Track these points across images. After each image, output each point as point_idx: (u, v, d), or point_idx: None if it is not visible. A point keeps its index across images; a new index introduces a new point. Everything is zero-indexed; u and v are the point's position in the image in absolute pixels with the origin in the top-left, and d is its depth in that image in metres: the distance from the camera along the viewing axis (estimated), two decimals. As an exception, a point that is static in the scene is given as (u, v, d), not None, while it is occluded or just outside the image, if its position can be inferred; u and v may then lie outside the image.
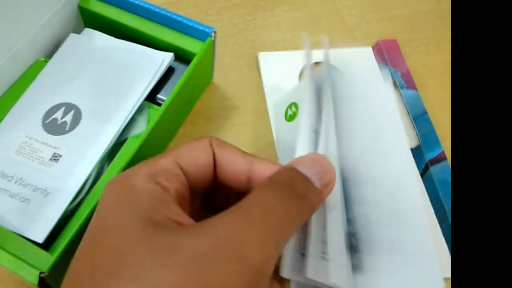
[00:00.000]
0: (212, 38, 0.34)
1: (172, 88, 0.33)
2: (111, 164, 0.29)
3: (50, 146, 0.30)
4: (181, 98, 0.33)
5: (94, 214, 0.20)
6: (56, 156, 0.29)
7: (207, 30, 0.34)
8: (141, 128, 0.31)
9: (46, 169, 0.29)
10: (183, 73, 0.33)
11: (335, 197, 0.25)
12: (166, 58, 0.34)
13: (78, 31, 0.36)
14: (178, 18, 0.35)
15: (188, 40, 0.35)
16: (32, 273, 0.24)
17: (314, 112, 0.29)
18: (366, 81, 0.36)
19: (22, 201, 0.27)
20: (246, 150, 0.36)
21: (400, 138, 0.33)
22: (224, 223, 0.18)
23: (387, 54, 0.41)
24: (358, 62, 0.42)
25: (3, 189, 0.28)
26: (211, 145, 0.23)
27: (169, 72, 0.35)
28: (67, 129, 0.30)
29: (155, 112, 0.31)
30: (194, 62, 0.33)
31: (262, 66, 0.41)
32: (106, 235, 0.18)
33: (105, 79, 0.33)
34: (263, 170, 0.22)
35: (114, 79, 0.33)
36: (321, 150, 0.26)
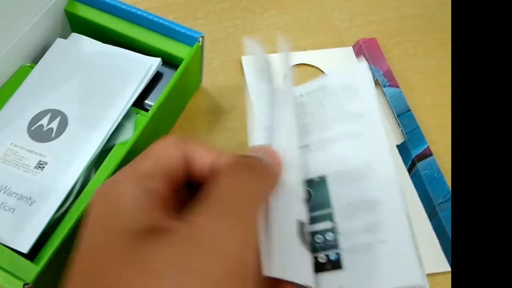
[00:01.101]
0: (200, 43, 0.34)
1: (160, 94, 0.32)
2: (98, 171, 0.29)
3: (36, 153, 0.29)
4: (169, 103, 0.33)
5: (83, 222, 0.19)
6: (41, 164, 0.29)
7: (194, 35, 0.34)
8: (128, 134, 0.31)
9: (32, 177, 0.28)
10: (171, 78, 0.33)
11: (292, 191, 0.25)
12: (154, 63, 0.34)
13: (64, 36, 0.36)
14: (166, 23, 0.35)
15: (176, 45, 0.35)
16: (16, 284, 0.24)
17: (266, 111, 0.30)
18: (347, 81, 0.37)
19: (6, 210, 0.27)
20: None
21: (380, 135, 0.34)
22: (196, 224, 0.18)
23: (368, 52, 0.41)
24: (339, 61, 0.42)
25: None
26: (178, 142, 0.23)
27: (156, 77, 0.35)
28: (53, 136, 0.30)
29: (142, 118, 0.31)
30: (182, 67, 0.33)
31: (245, 69, 0.40)
32: (92, 249, 0.18)
33: (91, 84, 0.32)
34: (226, 161, 0.22)
35: (101, 85, 0.32)
36: (276, 145, 0.26)
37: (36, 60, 0.34)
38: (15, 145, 0.30)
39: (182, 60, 0.34)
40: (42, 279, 0.24)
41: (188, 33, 0.34)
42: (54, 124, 0.30)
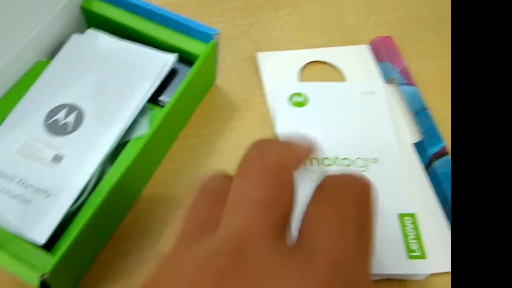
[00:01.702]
0: (216, 40, 0.34)
1: (175, 90, 0.32)
2: (113, 166, 0.29)
3: (52, 147, 0.29)
4: (184, 100, 0.33)
5: None
6: (57, 158, 0.29)
7: (210, 32, 0.34)
8: (143, 130, 0.31)
9: (48, 170, 0.28)
10: (185, 75, 0.33)
11: None
12: (169, 59, 0.34)
13: (80, 31, 0.36)
14: (181, 20, 0.35)
15: (191, 41, 0.35)
16: (33, 275, 0.24)
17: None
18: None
19: (23, 202, 0.27)
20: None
21: (391, 138, 0.36)
22: None
23: (384, 51, 0.41)
24: (355, 59, 0.42)
25: (4, 189, 0.27)
26: None
27: (171, 73, 0.35)
28: (69, 130, 0.30)
29: (158, 114, 0.31)
30: (197, 64, 0.33)
31: (261, 66, 0.40)
32: None
33: (107, 80, 0.32)
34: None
35: (117, 80, 0.32)
36: None
37: (52, 55, 0.35)
38: (31, 139, 0.30)
39: (196, 57, 0.34)
40: (58, 271, 0.24)
41: (203, 30, 0.34)
42: (70, 119, 0.31)
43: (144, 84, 0.32)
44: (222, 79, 0.40)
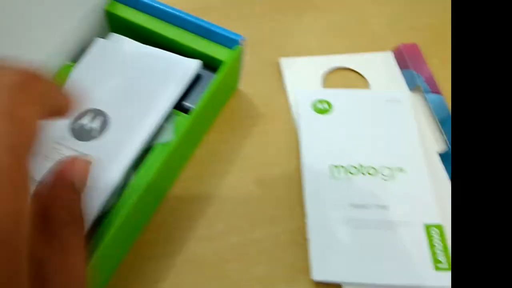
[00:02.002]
0: (241, 46, 0.34)
1: (199, 95, 0.32)
2: (140, 172, 0.29)
3: (78, 152, 0.29)
4: (209, 106, 0.33)
5: None
6: None
7: (236, 37, 0.34)
8: (169, 136, 0.31)
9: None
10: (209, 80, 0.33)
11: None
12: (194, 65, 0.33)
13: (103, 35, 0.36)
14: (206, 25, 0.34)
15: (215, 47, 0.35)
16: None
17: None
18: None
19: None
20: (272, 158, 0.36)
21: (417, 148, 0.36)
22: None
23: (409, 58, 0.40)
24: (379, 66, 0.41)
25: None
26: None
27: (194, 78, 0.34)
28: (94, 135, 0.30)
29: (183, 120, 0.31)
30: (223, 70, 0.33)
31: (284, 71, 0.40)
32: None
33: (132, 85, 0.32)
34: None
35: (142, 86, 0.32)
36: None
37: (75, 59, 0.35)
38: (58, 144, 0.30)
39: (221, 62, 0.34)
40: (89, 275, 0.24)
41: (229, 35, 0.34)
42: (96, 124, 0.30)
43: (169, 89, 0.32)
44: (245, 84, 0.39)
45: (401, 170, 0.35)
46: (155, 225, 0.32)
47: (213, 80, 0.32)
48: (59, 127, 0.30)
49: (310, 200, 0.33)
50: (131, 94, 0.32)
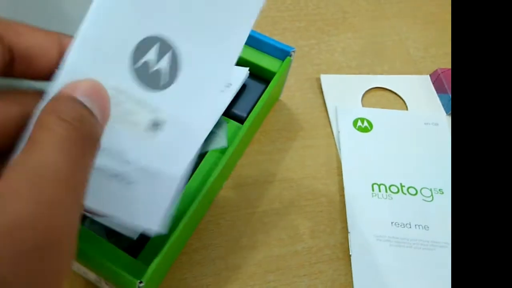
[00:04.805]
0: (292, 57, 0.34)
1: (246, 104, 0.32)
2: (195, 177, 0.28)
3: (147, 106, 0.20)
4: (259, 116, 0.33)
5: None
6: (157, 123, 0.20)
7: (288, 49, 0.34)
8: (222, 142, 0.30)
9: (146, 140, 0.20)
10: (255, 89, 0.33)
11: None
12: (244, 73, 0.33)
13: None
14: (257, 36, 0.35)
15: (266, 58, 0.35)
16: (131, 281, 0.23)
17: None
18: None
19: (126, 183, 0.20)
20: (312, 173, 0.36)
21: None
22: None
23: (446, 82, 0.41)
24: (416, 88, 0.42)
25: (98, 168, 0.19)
26: (0, 36, 0.17)
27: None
28: (164, 80, 0.20)
29: (237, 129, 0.31)
30: (275, 80, 0.33)
31: (324, 87, 0.40)
32: None
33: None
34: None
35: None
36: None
37: None
38: (118, 91, 0.19)
39: (269, 72, 0.34)
40: (152, 279, 0.24)
41: (280, 47, 0.34)
42: (164, 63, 0.20)
43: (221, 96, 0.32)
44: (285, 98, 0.40)
45: (440, 191, 0.35)
46: (197, 232, 0.32)
47: (264, 90, 0.33)
48: (115, 61, 0.19)
49: (352, 217, 0.33)
50: (200, 19, 0.21)
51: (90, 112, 0.17)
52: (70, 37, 0.18)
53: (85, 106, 0.17)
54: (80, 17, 0.19)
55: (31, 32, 0.18)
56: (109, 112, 0.19)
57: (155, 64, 0.20)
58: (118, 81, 0.19)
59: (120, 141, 0.20)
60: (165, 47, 0.20)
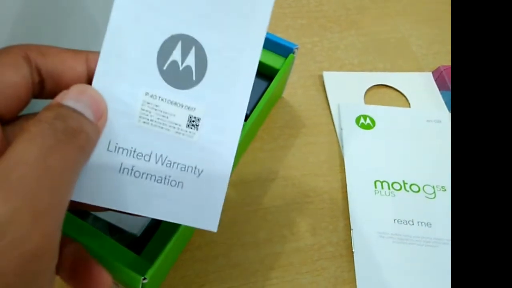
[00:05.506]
0: (295, 54, 0.34)
1: (249, 100, 0.32)
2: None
3: (181, 105, 0.20)
4: (262, 113, 0.33)
5: None
6: (193, 120, 0.21)
7: (291, 46, 0.34)
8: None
9: (187, 139, 0.21)
10: (257, 86, 0.33)
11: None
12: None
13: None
14: (260, 32, 0.35)
15: (269, 55, 0.35)
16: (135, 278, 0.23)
17: None
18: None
19: (174, 186, 0.20)
20: (314, 170, 0.36)
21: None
22: None
23: (449, 79, 0.41)
24: (419, 86, 0.42)
25: (145, 173, 0.20)
26: (26, 57, 0.18)
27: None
28: (193, 78, 0.20)
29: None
30: (278, 77, 0.33)
31: (327, 84, 0.40)
32: None
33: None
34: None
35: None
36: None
37: None
38: (151, 96, 0.20)
39: (272, 69, 0.34)
40: (155, 276, 0.24)
41: (282, 43, 0.34)
42: (190, 60, 0.20)
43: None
44: (288, 95, 0.39)
45: (443, 189, 0.35)
46: (200, 229, 0.32)
47: (266, 87, 0.33)
48: (144, 68, 0.20)
49: (354, 214, 0.33)
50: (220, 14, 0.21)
51: (71, 109, 0.17)
52: (97, 53, 0.19)
53: (68, 107, 0.17)
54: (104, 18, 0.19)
55: (57, 52, 0.19)
56: (103, 108, 0.19)
57: (182, 62, 0.20)
58: (150, 86, 0.20)
59: (162, 144, 0.20)
60: (189, 43, 0.20)
